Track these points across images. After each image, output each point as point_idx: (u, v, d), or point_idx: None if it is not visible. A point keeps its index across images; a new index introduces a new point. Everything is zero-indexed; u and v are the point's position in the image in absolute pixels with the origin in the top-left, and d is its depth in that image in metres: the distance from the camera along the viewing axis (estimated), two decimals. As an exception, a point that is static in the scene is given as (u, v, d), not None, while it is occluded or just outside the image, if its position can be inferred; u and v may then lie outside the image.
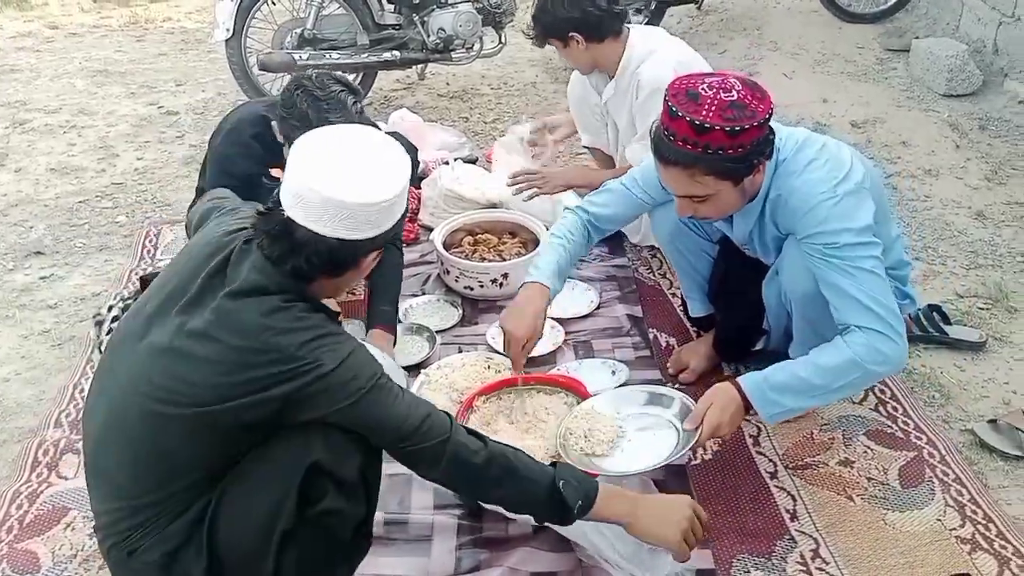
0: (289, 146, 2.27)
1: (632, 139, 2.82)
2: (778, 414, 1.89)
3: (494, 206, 3.10)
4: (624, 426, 1.96)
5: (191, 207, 2.39)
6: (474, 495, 1.77)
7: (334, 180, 1.39)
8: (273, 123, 2.42)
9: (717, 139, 1.72)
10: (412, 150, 3.04)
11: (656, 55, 2.69)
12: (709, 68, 2.80)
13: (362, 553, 1.67)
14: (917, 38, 4.73)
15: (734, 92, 1.73)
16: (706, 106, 1.71)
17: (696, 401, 1.90)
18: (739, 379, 1.88)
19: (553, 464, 1.63)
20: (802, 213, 1.86)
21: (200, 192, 2.58)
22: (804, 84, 4.53)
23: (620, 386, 2.23)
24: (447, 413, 1.56)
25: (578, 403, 2.05)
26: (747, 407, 1.86)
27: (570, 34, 2.69)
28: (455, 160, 3.32)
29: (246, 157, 2.48)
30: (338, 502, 1.49)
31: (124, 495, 1.49)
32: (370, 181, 1.42)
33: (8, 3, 6.87)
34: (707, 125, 1.71)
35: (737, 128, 1.71)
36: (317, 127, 2.14)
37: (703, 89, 1.73)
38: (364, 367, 1.47)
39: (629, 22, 2.80)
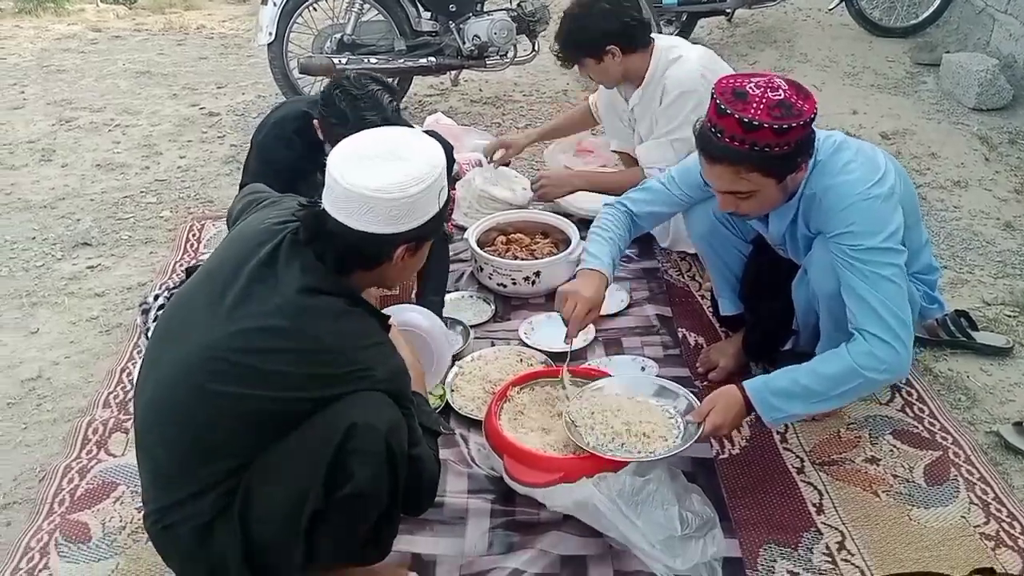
0: (328, 143, 2.39)
1: (648, 138, 2.88)
2: (780, 419, 1.94)
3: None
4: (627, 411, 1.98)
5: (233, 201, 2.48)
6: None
7: (357, 173, 1.47)
8: (315, 120, 2.50)
9: (764, 137, 1.77)
10: (448, 148, 3.12)
11: (681, 60, 2.75)
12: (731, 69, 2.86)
13: (390, 536, 1.70)
14: (948, 52, 4.77)
15: (781, 91, 1.78)
16: (754, 104, 1.76)
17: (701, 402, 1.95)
18: (744, 383, 1.92)
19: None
20: (834, 212, 1.90)
21: (243, 188, 2.66)
22: (834, 96, 4.57)
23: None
24: None
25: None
26: (750, 408, 1.91)
27: (608, 47, 2.75)
28: (489, 162, 3.39)
29: (288, 149, 2.56)
30: (364, 487, 1.49)
31: (163, 471, 1.55)
32: (391, 176, 1.47)
33: (46, 9, 7.06)
34: (755, 123, 1.76)
35: (784, 126, 1.76)
36: (354, 124, 2.26)
37: (750, 88, 1.79)
38: (407, 381, 1.62)
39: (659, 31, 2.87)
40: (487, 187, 3.23)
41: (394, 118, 2.36)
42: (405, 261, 1.59)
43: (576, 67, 2.90)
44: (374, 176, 1.47)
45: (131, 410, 2.24)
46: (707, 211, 2.13)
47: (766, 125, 1.75)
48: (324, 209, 1.51)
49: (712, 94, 1.83)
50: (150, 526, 1.59)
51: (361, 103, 2.32)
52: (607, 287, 2.16)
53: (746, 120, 1.76)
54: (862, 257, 1.86)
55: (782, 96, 1.77)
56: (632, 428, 1.92)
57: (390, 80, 4.26)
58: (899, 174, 2.01)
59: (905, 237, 1.95)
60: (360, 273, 1.58)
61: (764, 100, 1.76)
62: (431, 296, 2.48)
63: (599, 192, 3.19)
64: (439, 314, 2.49)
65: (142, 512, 1.62)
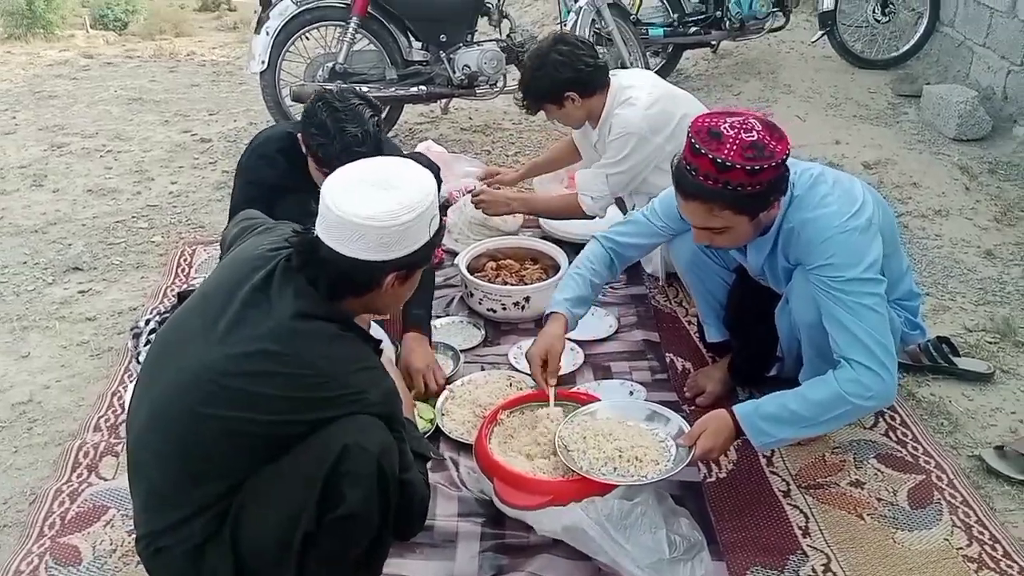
0: (310, 156, 2.41)
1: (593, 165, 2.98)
2: (769, 443, 1.97)
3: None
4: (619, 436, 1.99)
5: (226, 227, 2.50)
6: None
7: (349, 201, 1.50)
8: (298, 136, 2.51)
9: (736, 177, 1.82)
10: (435, 169, 3.16)
11: (630, 102, 2.85)
12: (698, 104, 2.94)
13: (381, 559, 1.71)
14: (928, 84, 4.87)
15: (754, 132, 1.83)
16: (727, 145, 1.81)
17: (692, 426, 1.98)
18: (734, 407, 1.95)
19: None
20: (813, 245, 1.95)
21: (232, 212, 2.69)
22: (817, 126, 4.66)
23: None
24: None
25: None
26: (739, 433, 1.94)
27: (566, 94, 2.84)
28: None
29: (271, 168, 2.58)
30: (355, 509, 1.50)
31: (157, 491, 1.56)
32: (383, 204, 1.50)
33: (36, 34, 7.12)
34: (728, 163, 1.81)
35: (756, 167, 1.81)
36: (335, 135, 2.30)
37: (725, 128, 1.83)
38: (398, 405, 1.65)
39: (625, 66, 2.96)
40: (478, 214, 3.27)
41: (375, 132, 2.39)
42: (395, 288, 1.62)
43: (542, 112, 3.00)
44: (365, 204, 1.50)
45: (122, 434, 2.26)
46: (689, 241, 2.18)
47: (738, 166, 1.80)
48: (317, 236, 1.54)
49: (688, 133, 1.88)
50: (142, 550, 1.60)
51: (342, 115, 2.34)
52: (569, 324, 2.24)
53: (719, 160, 1.81)
54: (843, 288, 1.90)
55: (755, 137, 1.82)
56: (624, 453, 1.94)
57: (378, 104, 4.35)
58: (878, 203, 2.06)
59: (885, 265, 2.00)
60: (351, 299, 1.61)
61: (737, 141, 1.81)
62: (415, 310, 2.49)
63: (537, 215, 3.32)
64: (427, 325, 2.53)
65: (133, 536, 1.62)
